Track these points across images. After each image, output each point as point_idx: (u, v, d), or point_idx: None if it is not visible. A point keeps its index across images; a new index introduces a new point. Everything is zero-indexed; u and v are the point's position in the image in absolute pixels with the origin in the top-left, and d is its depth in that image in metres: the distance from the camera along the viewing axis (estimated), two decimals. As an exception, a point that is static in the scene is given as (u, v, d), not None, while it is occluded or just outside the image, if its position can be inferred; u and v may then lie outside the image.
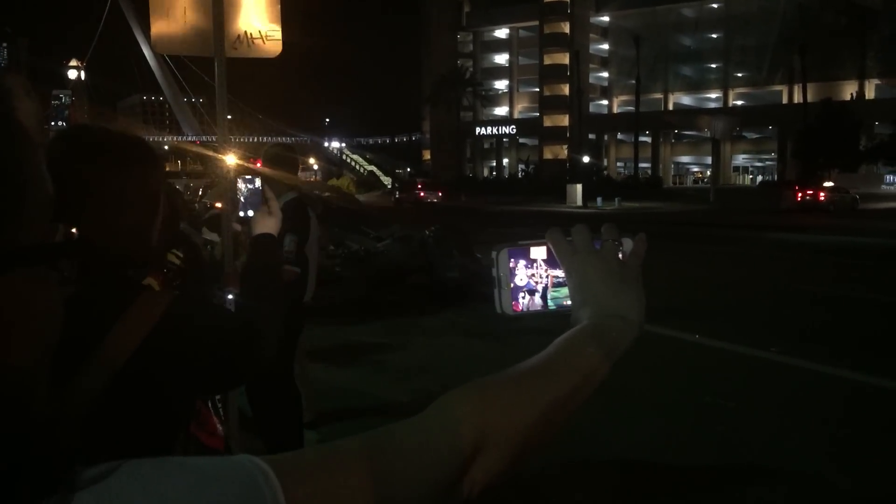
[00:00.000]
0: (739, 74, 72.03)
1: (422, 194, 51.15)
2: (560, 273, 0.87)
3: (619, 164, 79.20)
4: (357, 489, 0.58)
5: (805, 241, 20.18)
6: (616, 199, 44.15)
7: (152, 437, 1.23)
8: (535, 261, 0.87)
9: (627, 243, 0.90)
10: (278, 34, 3.99)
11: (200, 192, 16.02)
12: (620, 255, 0.88)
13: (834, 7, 58.57)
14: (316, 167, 71.43)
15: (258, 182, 1.89)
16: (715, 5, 71.28)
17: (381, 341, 7.95)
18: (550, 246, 0.87)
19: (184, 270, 2.11)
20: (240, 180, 1.90)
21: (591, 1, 76.52)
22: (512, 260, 0.86)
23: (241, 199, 1.89)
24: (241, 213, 1.88)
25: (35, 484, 0.46)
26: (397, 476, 0.62)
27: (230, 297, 3.77)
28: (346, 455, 0.61)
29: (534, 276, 0.87)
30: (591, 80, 77.76)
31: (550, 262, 0.87)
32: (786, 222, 27.11)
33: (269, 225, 1.84)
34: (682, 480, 4.56)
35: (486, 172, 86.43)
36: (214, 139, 5.40)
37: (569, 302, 0.87)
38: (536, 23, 77.40)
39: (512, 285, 0.86)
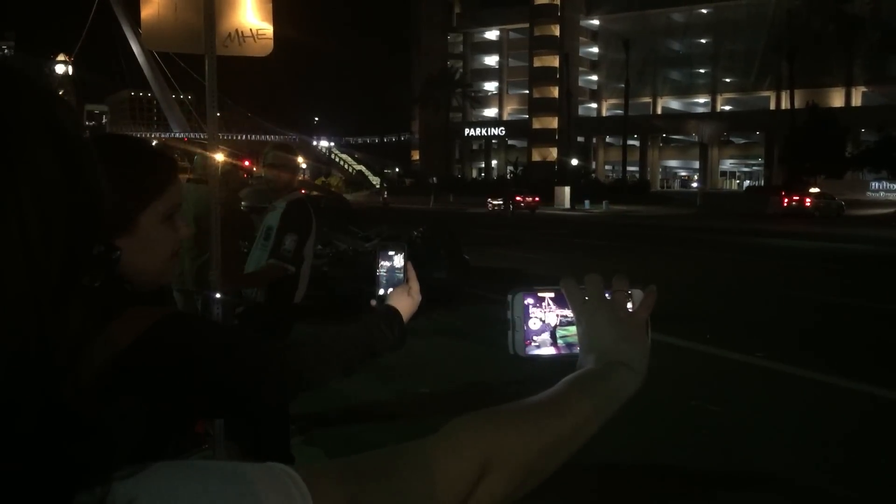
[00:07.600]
0: (728, 80, 72.31)
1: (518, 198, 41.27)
2: (568, 312, 0.89)
3: (607, 167, 79.30)
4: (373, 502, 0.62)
5: (790, 246, 20.29)
6: (604, 202, 44.24)
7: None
8: (543, 299, 0.89)
9: (637, 294, 0.91)
10: (269, 32, 3.98)
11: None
12: (630, 305, 0.90)
13: (822, 14, 58.92)
14: (304, 166, 71.22)
15: (399, 259, 1.68)
16: (704, 10, 71.54)
17: (368, 341, 7.92)
18: (564, 293, 0.89)
19: None
20: (380, 255, 1.67)
21: (582, 4, 76.67)
22: (526, 304, 0.89)
23: (381, 275, 1.67)
24: (381, 291, 1.66)
25: (81, 470, 0.45)
26: (408, 493, 0.65)
27: (217, 295, 3.77)
28: (363, 469, 0.64)
29: (545, 317, 0.90)
30: (580, 83, 77.91)
31: (560, 302, 0.89)
32: (771, 227, 27.25)
33: (404, 304, 1.62)
34: (665, 484, 4.57)
35: (474, 174, 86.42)
36: (203, 136, 5.38)
37: (577, 349, 0.89)
38: (527, 25, 77.49)
39: (525, 328, 0.89)
